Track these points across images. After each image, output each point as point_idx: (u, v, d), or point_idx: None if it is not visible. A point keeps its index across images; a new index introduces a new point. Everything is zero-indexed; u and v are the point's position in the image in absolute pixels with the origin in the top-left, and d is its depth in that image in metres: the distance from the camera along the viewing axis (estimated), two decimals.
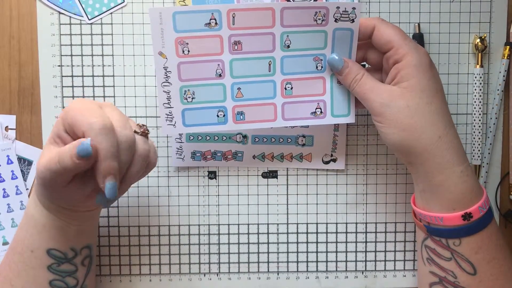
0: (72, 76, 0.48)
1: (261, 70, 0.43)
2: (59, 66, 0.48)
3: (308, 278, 0.51)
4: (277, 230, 0.50)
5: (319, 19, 0.42)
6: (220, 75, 0.43)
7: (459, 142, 0.40)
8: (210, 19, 0.41)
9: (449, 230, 0.40)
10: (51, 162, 0.35)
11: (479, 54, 0.49)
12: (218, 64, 0.43)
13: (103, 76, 0.48)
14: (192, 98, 0.43)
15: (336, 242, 0.51)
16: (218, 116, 0.44)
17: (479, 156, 0.49)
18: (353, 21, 0.41)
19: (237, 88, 0.43)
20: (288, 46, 0.43)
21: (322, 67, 0.43)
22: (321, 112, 0.45)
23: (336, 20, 0.41)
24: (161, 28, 0.41)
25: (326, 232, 0.50)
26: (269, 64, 0.43)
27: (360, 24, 0.41)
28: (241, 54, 0.42)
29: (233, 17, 0.41)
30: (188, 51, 0.42)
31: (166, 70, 0.42)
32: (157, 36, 0.41)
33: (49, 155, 0.36)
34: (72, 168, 0.34)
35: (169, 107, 0.43)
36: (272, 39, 0.42)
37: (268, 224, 0.50)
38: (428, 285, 0.43)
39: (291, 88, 0.44)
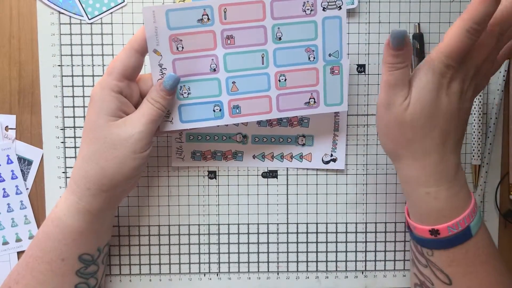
0: (72, 75, 0.48)
1: (255, 63, 0.43)
2: (59, 65, 0.48)
3: (308, 278, 0.51)
4: (277, 230, 0.50)
5: (308, 9, 0.42)
6: (214, 70, 0.43)
7: (442, 166, 0.38)
8: (203, 15, 0.42)
9: (421, 240, 0.40)
10: (151, 115, 0.41)
11: None
12: (212, 59, 0.43)
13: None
14: (188, 94, 0.43)
15: (336, 242, 0.51)
16: (214, 111, 0.44)
17: (479, 156, 0.49)
18: (340, 8, 0.42)
19: (232, 82, 0.44)
20: (280, 38, 0.43)
21: (314, 57, 0.44)
22: (314, 102, 0.45)
23: (324, 9, 0.42)
24: (155, 26, 0.41)
25: (326, 232, 0.50)
26: (262, 57, 0.43)
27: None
28: (234, 48, 0.43)
29: (225, 12, 0.42)
30: (182, 47, 0.42)
31: (161, 67, 0.42)
32: (151, 34, 0.41)
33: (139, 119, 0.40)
34: (167, 105, 0.42)
35: None
36: (263, 32, 0.43)
37: (268, 224, 0.50)
38: (413, 285, 0.44)
39: (285, 79, 0.44)
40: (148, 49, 0.42)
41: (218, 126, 0.49)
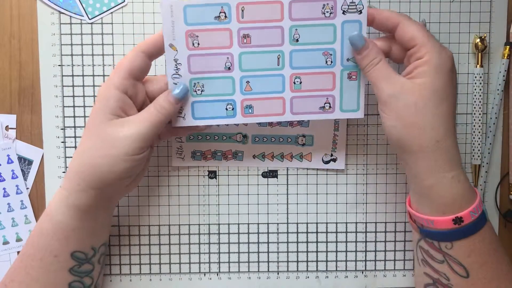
0: (72, 75, 0.48)
1: (270, 64, 0.43)
2: (59, 65, 0.48)
3: (308, 277, 0.51)
4: (277, 229, 0.50)
5: (327, 11, 0.42)
6: (229, 68, 0.43)
7: (456, 149, 0.40)
8: (220, 13, 0.41)
9: (441, 233, 0.40)
10: (153, 119, 0.40)
11: (479, 54, 0.49)
12: (227, 57, 0.43)
13: (104, 75, 0.48)
14: (201, 91, 0.43)
15: (336, 242, 0.51)
16: (227, 109, 0.44)
17: (479, 156, 0.49)
18: (360, 12, 0.41)
19: (246, 82, 0.43)
20: (297, 40, 0.43)
21: (331, 62, 0.43)
22: (329, 106, 0.44)
23: (344, 12, 0.42)
24: (172, 21, 0.41)
25: (326, 232, 0.50)
26: (278, 58, 0.43)
27: (385, 16, 0.41)
28: (250, 48, 0.42)
29: (242, 11, 0.41)
30: (198, 43, 0.42)
31: (176, 62, 0.42)
32: (168, 29, 0.41)
33: (139, 120, 0.40)
34: (171, 111, 0.42)
35: None
36: (281, 32, 0.42)
37: (268, 223, 0.50)
38: (423, 286, 0.43)
39: (300, 82, 0.44)
40: (164, 43, 0.42)
41: (226, 125, 0.49)
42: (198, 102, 0.43)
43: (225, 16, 0.42)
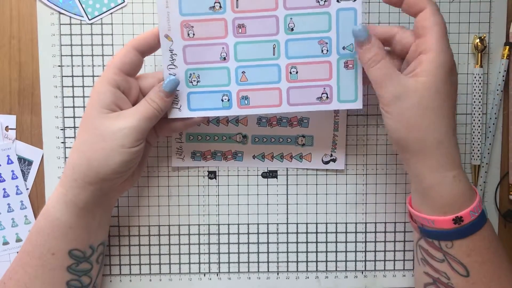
0: (72, 76, 0.48)
1: (265, 54, 0.43)
2: (59, 66, 0.48)
3: (308, 278, 0.51)
4: (277, 230, 0.50)
5: (321, 0, 0.41)
6: (224, 59, 0.43)
7: (457, 149, 0.40)
8: (215, 3, 0.41)
9: (441, 233, 0.40)
10: (146, 112, 0.41)
11: (479, 54, 0.49)
12: (223, 48, 0.42)
13: None
14: (197, 82, 0.43)
15: (336, 242, 0.51)
16: (222, 100, 0.43)
17: (478, 156, 0.49)
18: None
19: (242, 72, 0.43)
20: (292, 29, 0.42)
21: (327, 50, 0.43)
22: (327, 97, 0.43)
23: (338, 0, 0.41)
24: (167, 11, 0.41)
25: (326, 232, 0.50)
26: (273, 48, 0.43)
27: (412, 2, 0.39)
28: (245, 37, 0.42)
29: (237, 0, 0.41)
30: (193, 34, 0.42)
31: (172, 52, 0.42)
32: (163, 19, 0.41)
33: (132, 113, 0.41)
34: (164, 107, 0.42)
35: None
36: (275, 22, 0.42)
37: (268, 224, 0.50)
38: (423, 285, 0.43)
39: (296, 72, 0.43)
40: (160, 34, 0.42)
41: (219, 126, 0.49)
42: (193, 93, 0.43)
43: (220, 6, 0.41)
